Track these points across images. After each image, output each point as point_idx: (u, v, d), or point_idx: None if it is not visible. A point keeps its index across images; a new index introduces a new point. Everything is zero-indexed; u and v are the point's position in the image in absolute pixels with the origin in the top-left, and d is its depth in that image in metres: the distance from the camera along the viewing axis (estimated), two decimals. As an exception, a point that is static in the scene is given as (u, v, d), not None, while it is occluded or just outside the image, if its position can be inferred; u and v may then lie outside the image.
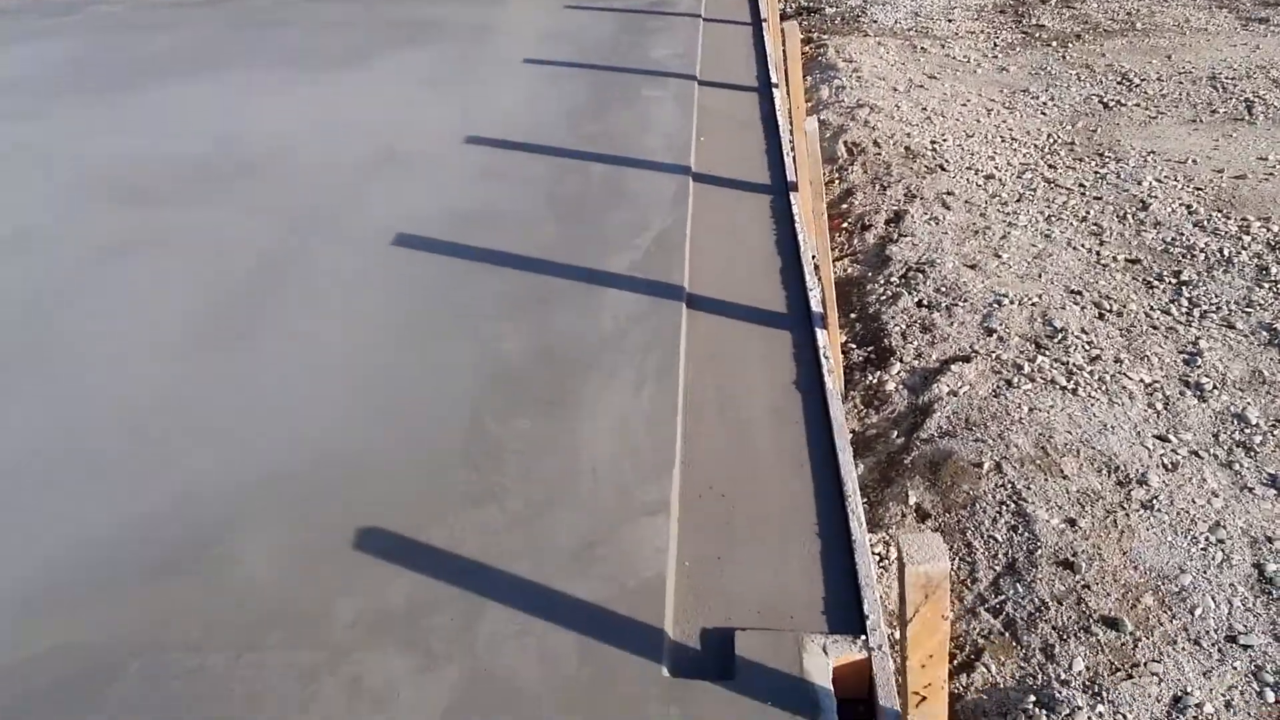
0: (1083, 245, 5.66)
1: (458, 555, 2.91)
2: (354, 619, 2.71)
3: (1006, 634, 3.24)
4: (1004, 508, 3.72)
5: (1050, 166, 6.74)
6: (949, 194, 6.35)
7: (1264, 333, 4.68)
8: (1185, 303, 5.00)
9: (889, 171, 6.79)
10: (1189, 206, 5.97)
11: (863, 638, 2.62)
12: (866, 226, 6.20)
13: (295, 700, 2.48)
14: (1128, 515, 3.63)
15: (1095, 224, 5.89)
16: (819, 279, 4.39)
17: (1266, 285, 5.06)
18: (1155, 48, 9.05)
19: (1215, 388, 4.32)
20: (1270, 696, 2.91)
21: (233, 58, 8.11)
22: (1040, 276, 5.35)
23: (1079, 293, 5.16)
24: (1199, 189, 6.19)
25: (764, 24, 8.25)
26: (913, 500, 3.87)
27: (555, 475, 3.24)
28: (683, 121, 6.28)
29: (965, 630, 3.28)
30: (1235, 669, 3.01)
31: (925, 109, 7.93)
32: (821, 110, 8.06)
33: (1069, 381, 4.41)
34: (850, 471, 3.27)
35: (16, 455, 3.49)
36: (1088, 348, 4.66)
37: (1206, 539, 3.50)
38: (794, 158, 5.66)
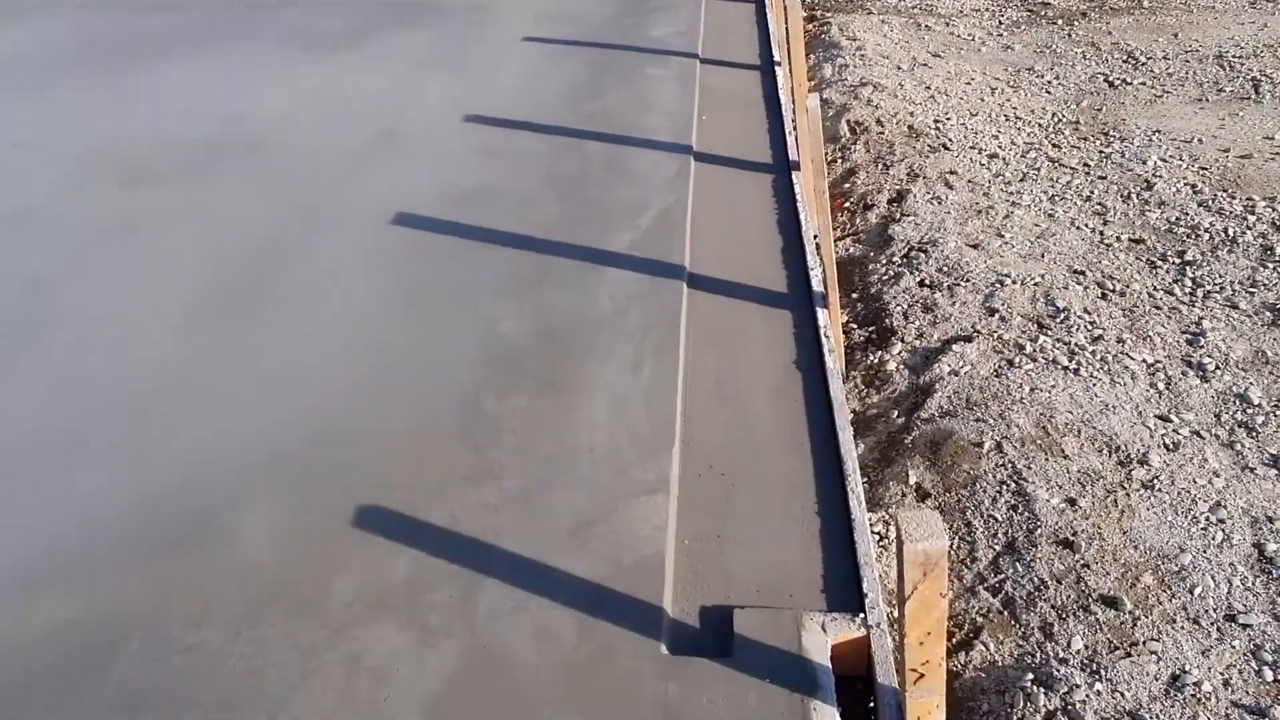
0: (1086, 225, 5.63)
1: (456, 533, 2.91)
2: (353, 596, 2.72)
3: (1005, 613, 3.24)
4: (1004, 487, 3.72)
5: (1054, 146, 6.70)
6: (952, 173, 6.32)
7: (1267, 313, 4.66)
8: (1189, 283, 4.97)
9: (892, 151, 6.76)
10: (1194, 186, 5.94)
11: (861, 616, 2.62)
12: (869, 206, 6.17)
13: (295, 676, 2.48)
14: (1128, 495, 3.62)
15: (1099, 203, 5.86)
16: (820, 258, 4.38)
17: (1271, 265, 5.03)
18: (1162, 25, 8.97)
19: (1218, 368, 4.30)
20: (1269, 675, 2.91)
21: (233, 37, 8.06)
22: (1043, 256, 5.32)
23: (1082, 272, 5.14)
24: (1204, 168, 6.15)
25: (767, 2, 8.19)
26: (913, 480, 3.87)
27: (554, 454, 3.24)
28: (684, 100, 6.24)
29: (964, 609, 3.29)
30: (1234, 648, 3.01)
31: (929, 87, 7.88)
32: (825, 89, 8.01)
33: (1071, 361, 4.39)
34: (850, 451, 3.27)
35: (18, 433, 3.49)
36: (1090, 328, 4.64)
37: (1207, 519, 3.50)
38: (796, 137, 5.63)
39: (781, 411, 3.49)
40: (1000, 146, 6.72)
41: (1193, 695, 2.87)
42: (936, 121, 7.18)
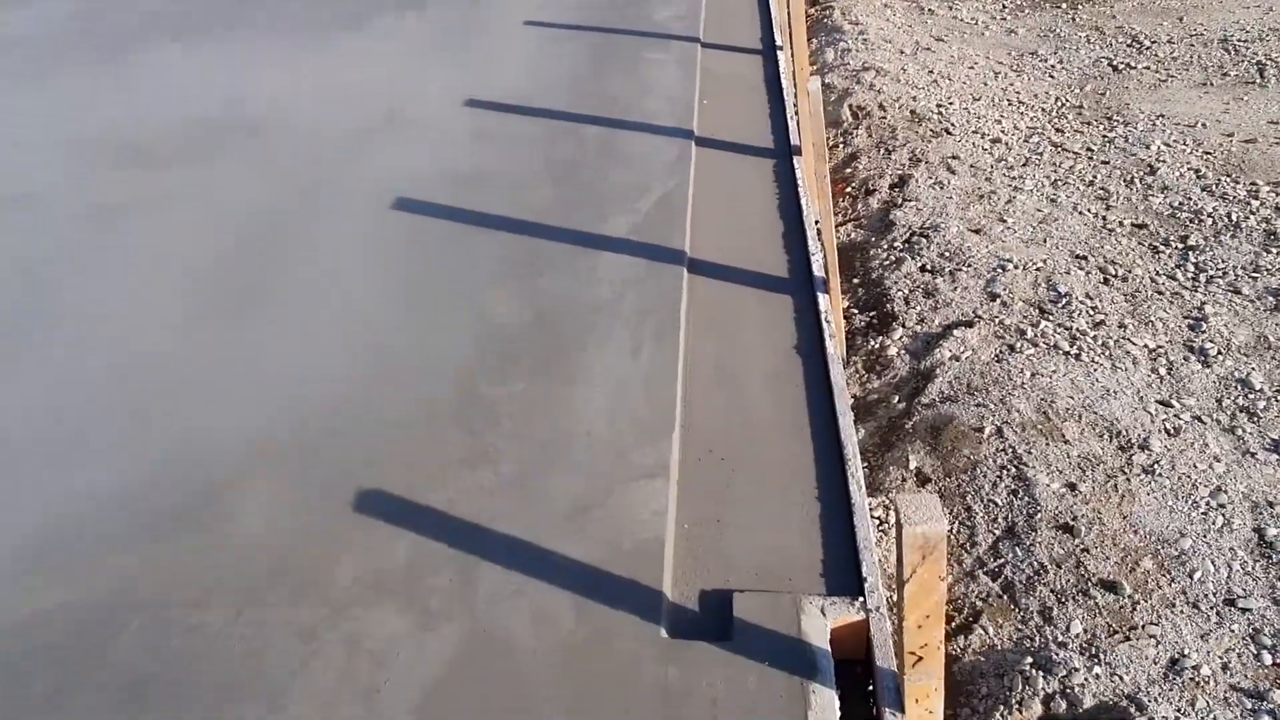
0: (1089, 210, 5.61)
1: (455, 517, 2.92)
2: (353, 579, 2.72)
3: (1005, 597, 3.24)
4: (1004, 472, 3.71)
5: (1057, 130, 6.66)
6: (954, 158, 6.29)
7: (1270, 298, 4.64)
8: (1191, 268, 4.96)
9: (894, 135, 6.72)
10: (1197, 171, 5.91)
11: (861, 599, 2.63)
12: (871, 191, 6.15)
13: (295, 658, 2.49)
14: (1128, 480, 3.62)
15: (1102, 188, 5.84)
16: (821, 243, 4.36)
17: (1274, 250, 5.01)
18: (1167, 9, 8.91)
19: (1220, 353, 4.29)
20: (1268, 659, 2.92)
21: (234, 21, 8.02)
22: (1045, 241, 5.30)
23: (1084, 257, 5.12)
24: (1208, 153, 6.12)
25: (769, -15, 8.13)
26: (913, 464, 3.87)
27: (552, 438, 3.24)
28: (685, 84, 6.20)
29: (964, 593, 3.29)
30: (1233, 632, 3.01)
31: (932, 72, 7.84)
32: (827, 73, 7.97)
33: (1072, 346, 4.38)
34: (850, 435, 3.27)
35: (17, 416, 3.50)
36: (1092, 313, 4.63)
37: (1207, 504, 3.50)
38: (797, 121, 5.60)
39: (782, 396, 3.49)
40: (1003, 131, 6.69)
41: (1191, 679, 2.87)
42: (939, 106, 7.14)
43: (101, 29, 7.96)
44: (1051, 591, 3.21)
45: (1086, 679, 2.88)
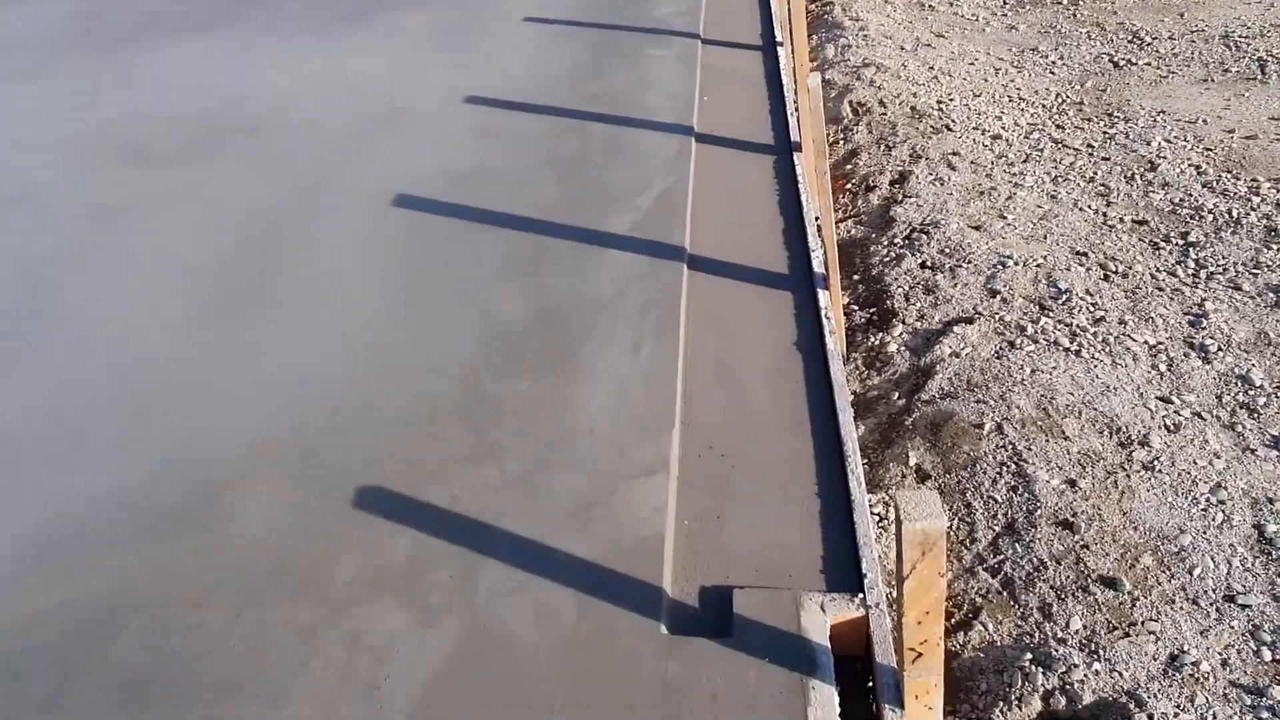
0: (1089, 206, 5.61)
1: (456, 514, 2.92)
2: (353, 576, 2.73)
3: (1004, 593, 3.24)
4: (1004, 468, 3.71)
5: (1058, 126, 6.65)
6: (955, 154, 6.29)
7: (1271, 294, 4.64)
8: (1192, 264, 4.95)
9: (894, 132, 6.72)
10: (1198, 167, 5.90)
11: (860, 596, 2.63)
12: (871, 188, 6.14)
13: (295, 657, 2.50)
14: (1128, 476, 3.62)
15: (1103, 185, 5.83)
16: (821, 239, 4.36)
17: (1275, 246, 5.00)
18: (1168, 5, 8.89)
19: (1220, 349, 4.29)
20: (1267, 655, 2.92)
21: (234, 19, 8.02)
22: (1046, 238, 5.30)
23: (1084, 254, 5.12)
24: (1209, 149, 6.11)
25: (769, -18, 8.12)
26: (913, 461, 3.87)
27: (554, 435, 3.24)
28: (686, 80, 6.20)
29: (963, 589, 3.29)
30: (1233, 628, 3.01)
31: (932, 68, 7.83)
32: (827, 69, 7.96)
33: (1072, 343, 4.38)
34: (850, 432, 3.27)
35: (17, 416, 3.50)
36: (1092, 309, 4.63)
37: (1207, 500, 3.50)
38: (798, 117, 5.60)
39: (782, 393, 3.49)
40: (1003, 127, 6.68)
41: (1191, 675, 2.87)
42: (939, 102, 7.13)
43: (101, 28, 7.96)
44: (1051, 588, 3.21)
45: (1086, 675, 2.89)
